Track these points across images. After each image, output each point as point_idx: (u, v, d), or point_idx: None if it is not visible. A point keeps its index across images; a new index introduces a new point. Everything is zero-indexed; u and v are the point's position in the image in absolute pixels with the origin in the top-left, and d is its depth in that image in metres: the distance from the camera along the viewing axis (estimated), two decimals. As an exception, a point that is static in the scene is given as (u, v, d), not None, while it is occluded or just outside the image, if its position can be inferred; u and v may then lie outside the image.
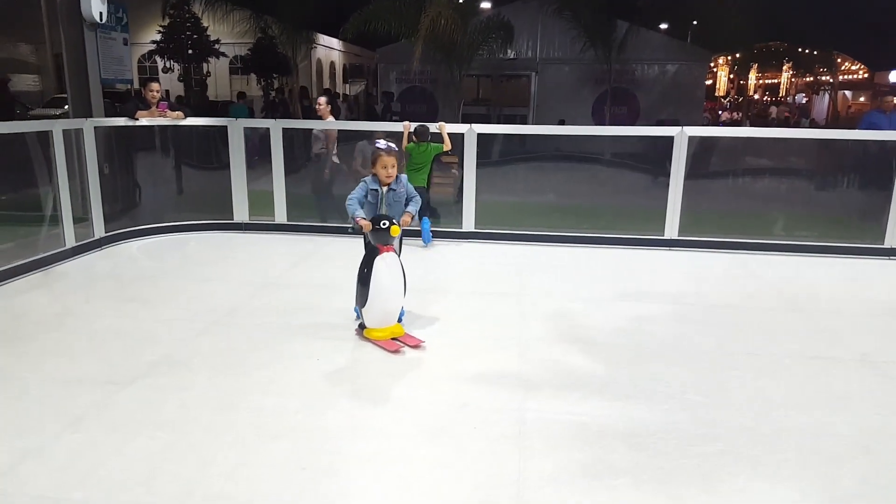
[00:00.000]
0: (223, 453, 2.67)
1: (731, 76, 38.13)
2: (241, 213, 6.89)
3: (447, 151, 6.52)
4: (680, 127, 6.39)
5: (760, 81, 39.10)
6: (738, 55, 30.80)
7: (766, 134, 7.90)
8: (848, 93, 34.04)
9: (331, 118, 7.42)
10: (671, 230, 6.37)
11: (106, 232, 6.16)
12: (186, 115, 6.81)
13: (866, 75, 34.21)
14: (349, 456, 2.68)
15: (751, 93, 37.41)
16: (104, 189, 6.11)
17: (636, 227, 6.68)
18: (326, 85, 33.99)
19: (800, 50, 31.10)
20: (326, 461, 2.63)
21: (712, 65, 34.71)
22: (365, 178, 3.86)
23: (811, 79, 33.86)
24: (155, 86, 6.78)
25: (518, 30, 17.90)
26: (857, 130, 8.00)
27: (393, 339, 3.79)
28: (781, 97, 36.31)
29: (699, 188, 7.62)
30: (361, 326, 3.91)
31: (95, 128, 6.02)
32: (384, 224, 3.63)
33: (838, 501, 2.42)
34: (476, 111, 17.55)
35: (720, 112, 30.57)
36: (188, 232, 6.72)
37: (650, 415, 3.04)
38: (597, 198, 8.43)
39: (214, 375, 3.41)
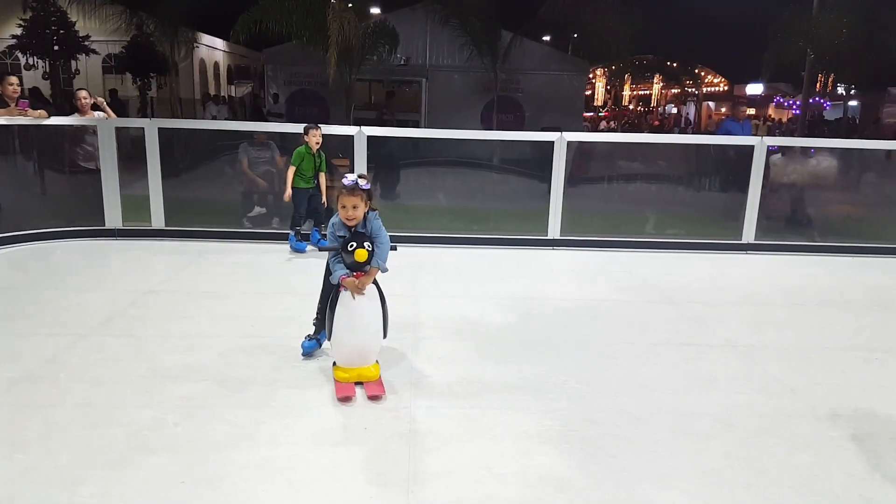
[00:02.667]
0: (95, 473, 2.49)
1: (609, 87, 40.55)
2: (113, 218, 6.44)
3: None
4: (560, 133, 6.70)
5: (634, 92, 41.81)
6: (613, 67, 32.76)
7: (636, 139, 8.45)
8: (711, 104, 37.15)
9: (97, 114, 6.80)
10: (554, 230, 6.67)
11: (-45, 241, 5.56)
12: (50, 114, 6.29)
13: (727, 88, 37.50)
14: (234, 466, 2.57)
15: (626, 103, 39.94)
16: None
17: (522, 228, 6.94)
18: (210, 86, 32.55)
19: (668, 63, 33.61)
20: (209, 473, 2.52)
21: (591, 76, 36.73)
22: (332, 222, 3.29)
23: (679, 90, 36.65)
24: (13, 79, 6.21)
25: (408, 36, 18.03)
26: (715, 136, 8.75)
27: (357, 383, 3.27)
28: (653, 107, 39.00)
29: (579, 192, 8.04)
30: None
31: (-60, 126, 5.42)
32: (351, 247, 3.16)
33: (706, 474, 2.63)
34: (367, 115, 17.48)
35: (602, 122, 32.35)
36: (54, 240, 6.19)
37: (537, 404, 3.16)
38: (486, 201, 8.65)
39: (85, 390, 3.17)
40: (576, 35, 24.29)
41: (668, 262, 6.30)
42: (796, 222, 7.69)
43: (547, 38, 22.82)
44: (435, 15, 17.08)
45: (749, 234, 6.76)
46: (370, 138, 6.49)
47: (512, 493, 2.46)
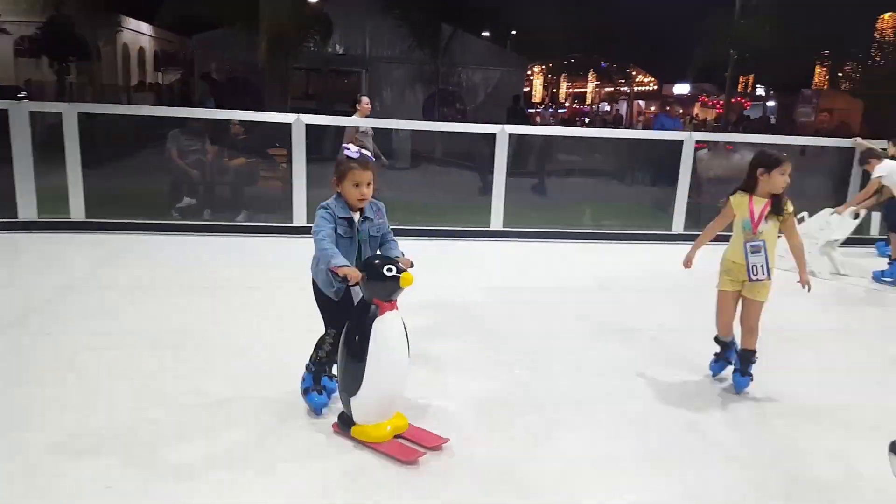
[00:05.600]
0: (10, 481, 2.29)
1: (546, 84, 41.24)
2: (27, 210, 6.01)
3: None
4: (501, 126, 6.72)
5: (570, 90, 42.70)
6: (550, 65, 33.32)
7: (573, 133, 8.60)
8: (642, 102, 38.38)
9: None
10: (496, 222, 6.69)
11: None
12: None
13: (656, 87, 38.82)
14: (165, 469, 2.42)
15: (562, 100, 40.75)
16: None
17: (466, 220, 6.92)
18: (135, 72, 31.06)
19: (602, 63, 34.49)
20: (138, 477, 2.36)
21: (529, 73, 37.24)
22: (326, 203, 2.65)
23: (612, 89, 37.69)
24: None
25: (347, 25, 17.74)
26: (649, 131, 8.99)
27: (397, 436, 2.61)
28: (588, 104, 39.93)
29: (521, 185, 8.12)
30: (346, 421, 2.64)
31: None
32: (390, 271, 2.45)
33: (647, 454, 2.67)
34: (305, 105, 17.09)
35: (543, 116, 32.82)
36: (-41, 232, 5.73)
37: (493, 383, 3.14)
38: (429, 193, 8.61)
39: (-4, 392, 2.92)
40: (514, 32, 24.54)
41: (603, 252, 6.42)
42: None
43: (486, 33, 22.98)
44: (375, 4, 16.86)
45: (679, 225, 6.97)
46: (309, 127, 6.31)
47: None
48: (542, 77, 40.54)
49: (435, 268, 5.47)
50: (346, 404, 2.60)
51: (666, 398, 3.20)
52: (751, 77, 33.21)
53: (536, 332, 4.09)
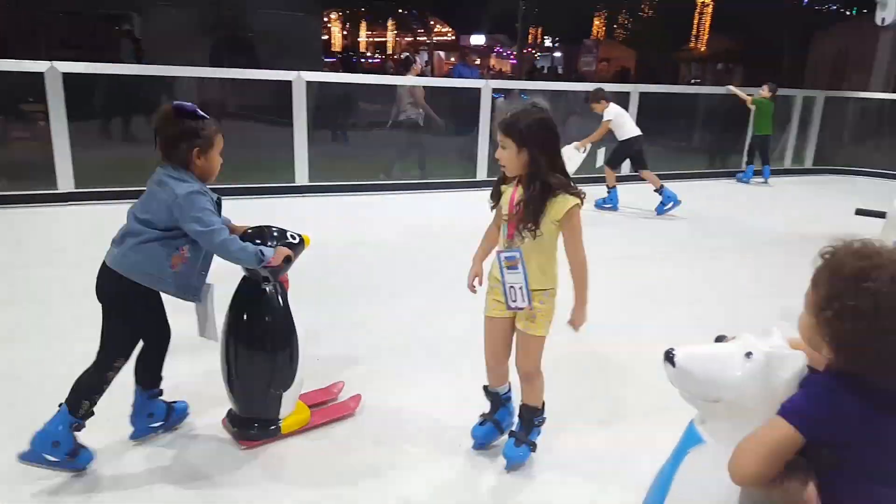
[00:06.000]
0: None
1: (345, 32, 40.17)
2: None
3: None
4: (297, 72, 6.34)
5: (371, 39, 42.11)
6: (348, 11, 32.46)
7: (379, 81, 8.41)
8: (442, 53, 39.12)
9: None
10: (301, 177, 6.38)
11: None
12: None
13: (454, 38, 39.73)
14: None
15: (363, 49, 40.06)
16: None
17: (268, 177, 6.51)
18: None
19: (400, 11, 34.38)
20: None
21: (326, 20, 35.97)
22: (195, 186, 2.03)
23: (412, 38, 37.85)
24: None
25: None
26: (449, 79, 9.11)
27: (314, 407, 2.48)
28: (389, 55, 39.72)
29: (324, 137, 7.81)
30: (266, 424, 2.29)
31: None
32: (294, 237, 2.24)
33: (460, 395, 2.71)
34: (64, 56, 14.83)
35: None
36: None
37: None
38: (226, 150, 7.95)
39: None
40: (307, -26, 23.33)
41: (413, 202, 6.46)
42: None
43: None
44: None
45: (482, 171, 7.22)
46: (67, 77, 5.41)
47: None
48: (340, 24, 39.42)
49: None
50: (269, 405, 2.27)
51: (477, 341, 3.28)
52: (540, 29, 35.38)
53: (353, 286, 3.99)
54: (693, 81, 28.52)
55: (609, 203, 6.49)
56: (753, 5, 23.30)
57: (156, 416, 2.28)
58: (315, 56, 20.69)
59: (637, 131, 6.36)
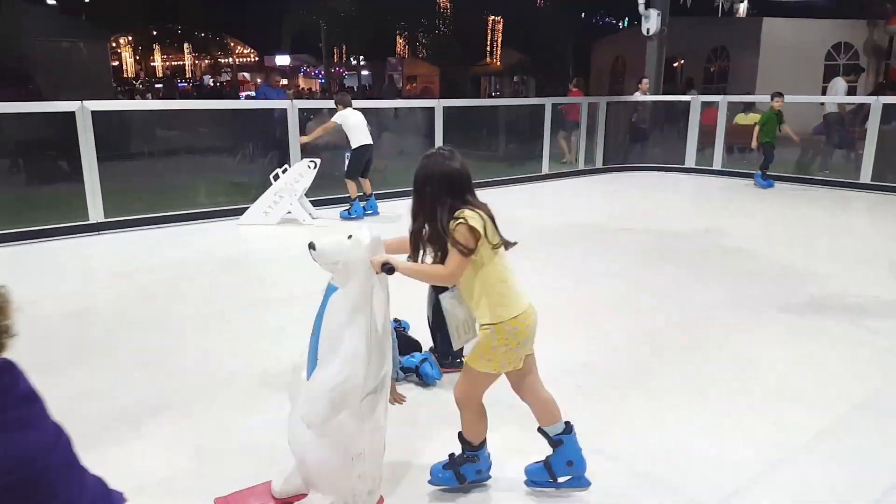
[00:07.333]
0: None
1: (137, 57, 37.23)
2: None
3: None
4: (80, 102, 5.89)
5: (167, 63, 39.48)
6: (137, 35, 30.23)
7: (174, 107, 8.06)
8: (247, 74, 37.81)
9: None
10: (96, 214, 5.92)
11: None
12: None
13: (257, 59, 38.54)
14: None
15: (160, 74, 37.41)
16: None
17: (56, 217, 5.96)
18: None
19: (196, 33, 32.71)
20: None
21: (115, 45, 33.22)
22: None
23: (212, 61, 36.08)
24: None
25: None
26: (253, 100, 8.93)
27: None
28: (189, 78, 37.53)
29: (117, 169, 7.28)
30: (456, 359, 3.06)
31: None
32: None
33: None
34: None
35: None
36: None
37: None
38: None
39: None
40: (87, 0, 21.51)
41: (224, 230, 6.28)
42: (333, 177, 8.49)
43: (53, 1, 19.64)
44: None
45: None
46: None
47: None
48: (131, 50, 36.51)
49: (17, 278, 4.59)
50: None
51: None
52: (344, 47, 35.61)
53: (163, 320, 3.84)
54: (494, 94, 30.54)
55: (354, 214, 6.68)
56: (537, 21, 25.54)
57: None
58: (105, 84, 19.11)
59: (369, 140, 6.63)
